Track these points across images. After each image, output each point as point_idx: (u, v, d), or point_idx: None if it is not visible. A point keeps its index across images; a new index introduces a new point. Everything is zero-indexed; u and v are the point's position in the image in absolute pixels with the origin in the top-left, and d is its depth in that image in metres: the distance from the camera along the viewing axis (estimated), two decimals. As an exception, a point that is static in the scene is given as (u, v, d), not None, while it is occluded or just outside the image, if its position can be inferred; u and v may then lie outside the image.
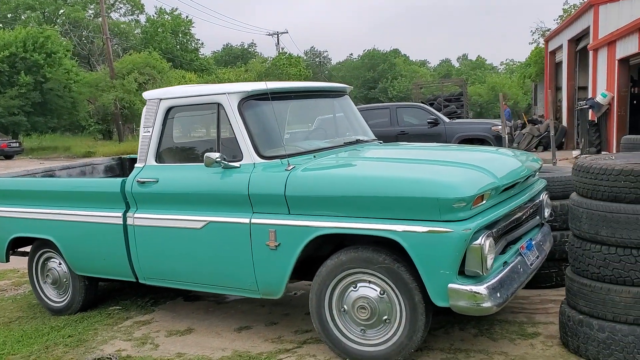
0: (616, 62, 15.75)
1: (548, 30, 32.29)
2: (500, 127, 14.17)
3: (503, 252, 4.01)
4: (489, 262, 3.53)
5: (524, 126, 22.22)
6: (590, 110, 17.40)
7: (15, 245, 5.69)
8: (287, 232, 3.98)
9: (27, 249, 5.70)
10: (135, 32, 55.58)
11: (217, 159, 4.20)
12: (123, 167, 7.05)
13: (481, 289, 3.46)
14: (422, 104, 16.39)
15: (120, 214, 4.74)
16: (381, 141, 5.44)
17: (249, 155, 4.24)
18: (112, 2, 53.48)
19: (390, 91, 57.95)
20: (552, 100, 19.75)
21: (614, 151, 14.62)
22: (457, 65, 77.18)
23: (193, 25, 55.19)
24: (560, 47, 23.37)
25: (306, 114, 5.58)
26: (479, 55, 75.69)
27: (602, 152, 16.14)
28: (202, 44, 55.43)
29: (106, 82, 36.53)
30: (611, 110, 16.28)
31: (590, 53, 18.38)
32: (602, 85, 17.06)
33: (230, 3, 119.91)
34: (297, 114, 5.35)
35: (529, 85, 35.84)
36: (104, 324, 5.07)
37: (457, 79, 34.30)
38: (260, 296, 4.25)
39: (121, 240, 4.75)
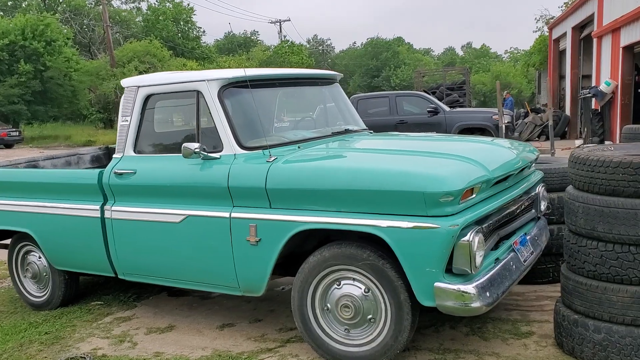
0: (620, 49, 15.44)
1: (552, 17, 31.85)
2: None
3: (495, 247, 3.82)
4: (478, 259, 3.34)
5: (526, 115, 21.93)
6: (593, 99, 17.11)
7: None
8: (268, 227, 3.79)
9: (9, 241, 5.53)
10: (137, 20, 55.23)
11: (196, 150, 4.00)
12: (110, 157, 6.85)
13: (469, 288, 3.27)
14: (421, 93, 16.12)
15: (97, 207, 4.56)
16: (372, 131, 5.23)
17: (230, 145, 4.04)
18: (113, -10, 53.11)
19: (393, 80, 57.56)
20: (553, 88, 19.45)
21: (618, 141, 14.37)
22: (461, 53, 76.67)
23: (195, 13, 54.82)
24: (564, 34, 23.02)
25: (295, 103, 5.38)
26: (483, 44, 75.32)
27: (605, 142, 15.88)
28: (204, 32, 54.94)
29: (107, 71, 36.27)
30: (615, 98, 15.99)
31: (595, 40, 18.06)
32: (606, 73, 16.76)
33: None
34: (285, 103, 5.15)
35: (533, 73, 35.48)
36: (83, 320, 4.89)
37: (460, 67, 33.90)
38: (241, 293, 4.07)
39: (99, 234, 4.57)
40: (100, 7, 41.88)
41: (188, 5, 54.54)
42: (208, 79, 4.14)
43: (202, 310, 4.97)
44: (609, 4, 16.78)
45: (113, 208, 4.48)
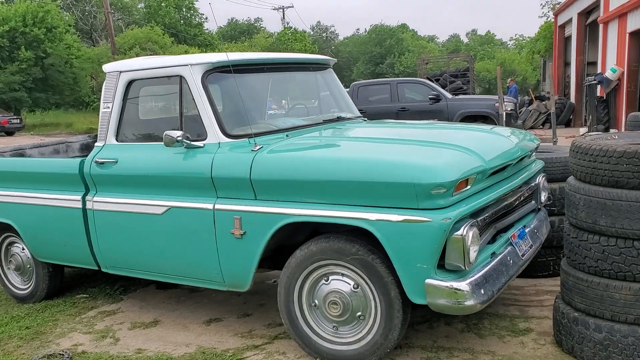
0: (627, 35, 15.14)
1: (558, 3, 31.41)
2: (505, 103, 13.69)
3: (492, 241, 3.63)
4: (473, 254, 3.14)
5: (531, 103, 21.64)
6: (598, 86, 16.83)
7: None
8: (253, 220, 3.60)
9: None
10: (139, 6, 54.85)
11: (179, 138, 3.81)
12: (100, 145, 6.67)
13: (463, 285, 3.08)
14: (423, 80, 15.86)
15: (79, 197, 4.38)
16: (366, 119, 5.03)
17: (214, 133, 3.85)
18: (115, -24, 52.67)
19: (397, 67, 57.13)
20: (558, 75, 19.17)
21: (623, 129, 14.11)
22: (466, 40, 76.00)
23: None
24: (570, 20, 22.65)
25: (287, 89, 5.18)
26: (488, 31, 74.20)
27: (611, 130, 15.62)
28: (206, 18, 54.33)
29: (108, 58, 36.01)
30: (621, 85, 15.71)
31: (600, 26, 17.74)
32: (612, 59, 16.46)
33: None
34: (277, 89, 4.95)
35: (538, 61, 35.06)
36: (67, 314, 4.73)
37: (464, 54, 33.55)
38: (226, 288, 3.89)
39: (81, 226, 4.40)
40: (102, -7, 41.62)
41: (190, -9, 54.06)
42: (191, 64, 3.93)
43: (190, 303, 4.80)
44: (615, -12, 16.46)
45: (95, 199, 4.30)
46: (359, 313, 3.47)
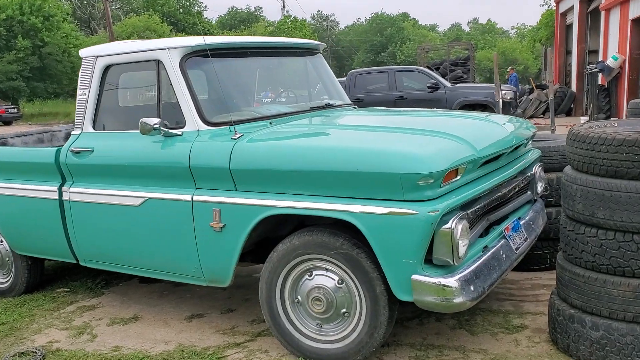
0: (629, 22, 14.89)
1: (560, -9, 31.00)
2: (504, 92, 13.47)
3: (485, 233, 3.45)
4: (462, 249, 2.96)
5: (531, 91, 21.39)
6: (600, 74, 16.59)
7: None
8: (233, 212, 3.42)
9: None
10: (138, -5, 54.48)
11: (156, 126, 3.62)
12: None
13: (451, 281, 2.90)
14: (422, 68, 15.61)
15: (55, 188, 4.20)
16: (356, 106, 4.83)
17: (193, 121, 3.66)
18: (113, -36, 52.23)
19: (399, 56, 56.76)
20: (559, 63, 18.93)
21: (624, 117, 13.90)
22: (467, 29, 75.52)
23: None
24: (571, 8, 22.35)
25: (274, 75, 4.98)
26: (489, 19, 73.91)
27: (612, 118, 15.39)
28: (205, 7, 54.06)
29: (106, 47, 35.72)
30: (622, 73, 15.48)
31: (602, 13, 17.48)
32: (614, 47, 16.21)
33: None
34: (263, 74, 4.74)
35: (540, 49, 34.73)
36: (45, 308, 4.56)
37: (465, 43, 33.14)
38: (206, 284, 3.72)
39: (58, 218, 4.22)
40: (100, -19, 41.29)
41: (189, -20, 53.66)
42: (169, 47, 3.74)
43: (173, 298, 4.63)
44: (618, -26, 16.18)
45: (71, 189, 4.12)
46: (344, 310, 3.29)
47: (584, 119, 17.23)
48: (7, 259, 4.91)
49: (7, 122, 30.55)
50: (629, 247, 2.99)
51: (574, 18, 21.69)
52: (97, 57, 4.07)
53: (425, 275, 2.91)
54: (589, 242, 3.14)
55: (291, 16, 53.07)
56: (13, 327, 4.23)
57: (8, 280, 4.97)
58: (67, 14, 38.34)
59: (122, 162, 3.86)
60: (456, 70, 22.39)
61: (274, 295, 3.45)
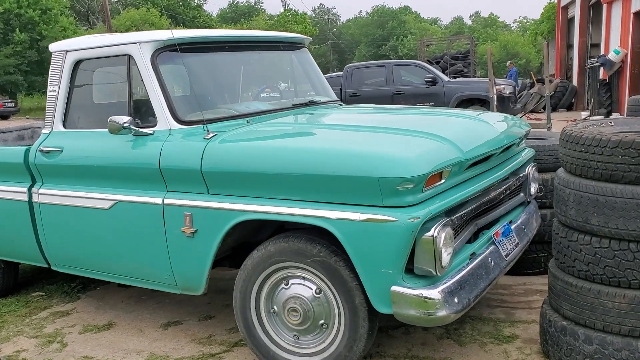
0: (631, 15, 14.62)
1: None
2: (503, 86, 13.24)
3: (474, 238, 3.26)
4: (445, 258, 2.76)
5: (532, 86, 21.12)
6: (601, 69, 16.32)
7: None
8: (205, 217, 3.23)
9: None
10: (137, -12, 54.16)
11: (125, 125, 3.42)
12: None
13: (433, 293, 2.71)
14: (419, 62, 15.35)
15: (25, 189, 4.01)
16: (342, 103, 4.63)
17: (164, 119, 3.46)
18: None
19: (400, 49, 56.42)
20: (560, 57, 18.67)
21: (626, 113, 13.66)
22: (469, 23, 75.08)
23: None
24: (573, 1, 22.06)
25: (256, 70, 4.76)
26: (491, 13, 73.41)
27: (613, 114, 15.15)
28: (205, 0, 53.70)
29: (104, 40, 35.49)
30: (624, 68, 15.23)
31: (604, 7, 17.20)
32: (616, 41, 15.94)
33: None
34: (246, 70, 4.54)
35: (542, 43, 34.42)
36: (17, 314, 4.38)
37: (466, 36, 32.84)
38: (179, 291, 3.52)
39: (27, 220, 4.03)
40: (98, -26, 41.02)
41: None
42: (140, 41, 3.53)
43: (150, 304, 4.44)
44: (620, -33, 15.90)
45: (40, 191, 3.92)
46: (322, 321, 3.10)
47: (584, 113, 16.99)
48: (-20, 262, 4.72)
49: (4, 117, 30.37)
50: (625, 256, 2.78)
51: (576, 11, 21.41)
52: (67, 51, 3.87)
53: (405, 287, 2.72)
54: (582, 250, 2.93)
55: (292, 9, 52.73)
56: (-20, 335, 4.05)
57: (-19, 284, 4.78)
58: (66, 7, 38.09)
59: (91, 162, 3.67)
60: (457, 64, 22.13)
61: (248, 305, 3.26)
